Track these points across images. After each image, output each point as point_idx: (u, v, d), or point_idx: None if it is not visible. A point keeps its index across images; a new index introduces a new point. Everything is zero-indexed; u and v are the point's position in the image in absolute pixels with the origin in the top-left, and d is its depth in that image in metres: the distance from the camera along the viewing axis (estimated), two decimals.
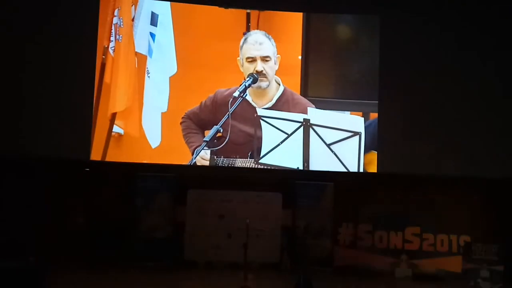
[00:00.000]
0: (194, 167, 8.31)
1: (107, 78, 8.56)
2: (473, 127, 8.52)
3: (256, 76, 8.12)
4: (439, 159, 8.48)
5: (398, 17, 8.84)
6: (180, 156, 8.49)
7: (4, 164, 7.90)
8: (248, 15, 8.91)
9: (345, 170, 8.09)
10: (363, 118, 8.42)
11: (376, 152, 8.57)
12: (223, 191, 8.41)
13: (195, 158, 8.19)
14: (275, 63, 8.31)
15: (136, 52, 8.70)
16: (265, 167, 8.26)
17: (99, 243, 7.97)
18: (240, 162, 8.37)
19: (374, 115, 8.78)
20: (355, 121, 8.26)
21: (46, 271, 6.06)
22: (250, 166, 8.29)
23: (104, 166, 8.44)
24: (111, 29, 8.58)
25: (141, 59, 8.74)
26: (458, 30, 8.66)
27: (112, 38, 8.58)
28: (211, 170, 8.44)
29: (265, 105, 8.34)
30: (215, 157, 8.34)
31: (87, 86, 8.39)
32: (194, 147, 8.30)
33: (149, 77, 8.74)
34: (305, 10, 9.01)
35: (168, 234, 8.18)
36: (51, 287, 6.35)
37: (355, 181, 8.47)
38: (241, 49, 8.38)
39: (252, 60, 8.22)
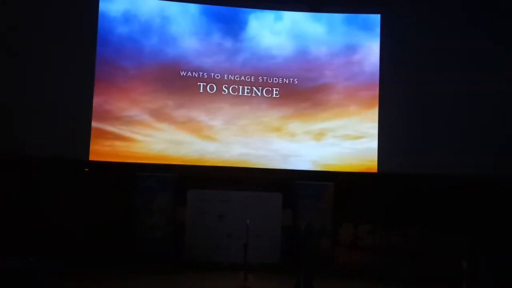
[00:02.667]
0: (194, 167, 8.30)
1: None
2: (474, 126, 8.54)
3: None
4: (440, 158, 8.48)
5: (399, 16, 8.86)
6: None
7: (4, 164, 7.91)
8: None
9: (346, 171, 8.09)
10: None
11: None
12: (223, 191, 8.41)
13: None
14: None
15: None
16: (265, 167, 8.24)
17: (99, 243, 7.97)
18: None
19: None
20: None
21: (46, 271, 6.06)
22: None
23: (104, 166, 8.44)
24: None
25: None
26: (459, 29, 8.68)
27: None
28: (211, 170, 8.43)
29: None
30: None
31: (87, 86, 8.40)
32: None
33: None
34: (305, 10, 9.05)
35: (168, 234, 8.18)
36: (51, 287, 6.37)
37: (355, 181, 8.47)
38: None
39: None
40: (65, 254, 7.56)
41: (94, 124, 8.46)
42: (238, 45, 8.98)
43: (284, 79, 8.95)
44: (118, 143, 8.55)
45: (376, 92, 8.87)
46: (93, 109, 8.45)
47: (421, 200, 8.42)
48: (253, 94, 8.92)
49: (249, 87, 8.92)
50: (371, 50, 8.99)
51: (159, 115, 8.71)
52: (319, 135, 8.89)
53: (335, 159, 8.79)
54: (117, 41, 8.67)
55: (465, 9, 8.66)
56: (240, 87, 8.91)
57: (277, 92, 8.94)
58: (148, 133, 8.66)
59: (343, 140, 8.86)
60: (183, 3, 8.88)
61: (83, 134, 8.36)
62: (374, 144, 8.81)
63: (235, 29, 8.98)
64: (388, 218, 8.32)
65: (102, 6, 8.63)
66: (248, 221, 6.73)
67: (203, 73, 8.85)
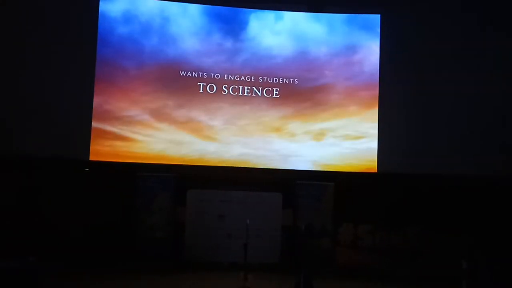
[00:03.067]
0: (194, 167, 8.30)
1: None
2: (474, 126, 8.54)
3: None
4: (440, 158, 8.48)
5: (399, 16, 8.86)
6: None
7: (4, 164, 7.92)
8: None
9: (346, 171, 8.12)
10: None
11: None
12: (223, 191, 8.40)
13: None
14: None
15: None
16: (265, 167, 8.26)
17: (99, 243, 7.97)
18: None
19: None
20: None
21: (46, 271, 6.06)
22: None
23: (104, 166, 8.44)
24: None
25: None
26: (459, 29, 8.68)
27: None
28: (211, 170, 8.42)
29: None
30: None
31: (87, 86, 8.41)
32: None
33: None
34: (305, 10, 9.06)
35: (168, 234, 8.18)
36: (51, 287, 6.37)
37: (355, 181, 8.47)
38: None
39: None
40: (65, 254, 7.56)
41: (94, 124, 8.47)
42: (238, 45, 8.99)
43: (284, 79, 8.95)
44: (118, 143, 8.56)
45: (376, 92, 8.88)
46: (93, 109, 8.46)
47: (421, 200, 8.41)
48: (253, 94, 8.93)
49: (249, 87, 8.93)
50: (371, 50, 9.00)
51: (159, 115, 8.72)
52: (319, 135, 8.89)
53: (335, 159, 8.80)
54: (117, 41, 8.68)
55: (465, 9, 8.67)
56: (240, 87, 8.92)
57: (277, 92, 8.94)
58: (148, 133, 8.67)
59: (343, 140, 8.87)
60: (183, 3, 8.89)
61: (83, 134, 8.37)
62: (374, 144, 8.82)
63: (235, 29, 8.99)
64: (388, 218, 8.31)
65: (102, 6, 8.65)
66: (248, 221, 6.72)
67: (203, 73, 8.86)
